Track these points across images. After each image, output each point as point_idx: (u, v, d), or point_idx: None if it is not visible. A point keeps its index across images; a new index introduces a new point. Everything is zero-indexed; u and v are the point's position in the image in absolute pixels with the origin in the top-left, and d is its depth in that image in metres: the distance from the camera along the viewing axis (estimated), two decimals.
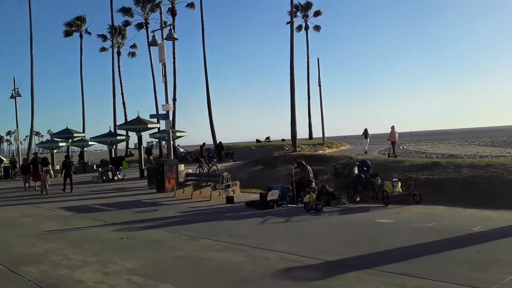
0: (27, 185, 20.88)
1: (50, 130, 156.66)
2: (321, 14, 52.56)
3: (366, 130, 30.40)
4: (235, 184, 14.13)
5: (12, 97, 38.26)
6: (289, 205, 11.64)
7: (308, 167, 12.98)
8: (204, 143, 33.17)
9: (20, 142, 43.25)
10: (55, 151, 32.95)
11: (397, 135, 26.31)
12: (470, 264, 5.62)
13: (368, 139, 30.71)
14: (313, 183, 12.54)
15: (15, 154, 35.36)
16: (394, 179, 11.33)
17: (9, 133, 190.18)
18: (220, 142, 34.29)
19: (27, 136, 50.81)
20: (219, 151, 32.05)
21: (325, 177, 15.51)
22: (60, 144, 31.71)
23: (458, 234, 7.37)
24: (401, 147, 41.43)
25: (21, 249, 7.95)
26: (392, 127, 25.45)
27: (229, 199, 12.74)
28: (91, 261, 6.83)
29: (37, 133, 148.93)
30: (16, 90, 38.18)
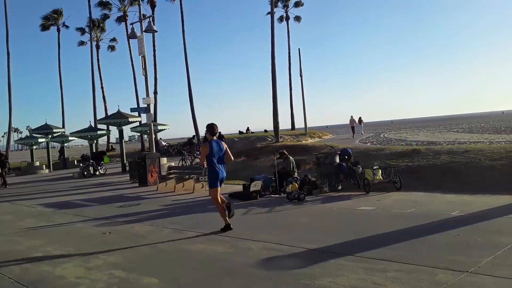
0: None
1: (29, 126, 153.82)
2: (302, 5, 52.56)
3: (360, 118, 42.39)
4: None
5: None
6: (272, 196, 11.70)
7: (291, 157, 13.05)
8: (194, 136, 33.09)
9: None
10: (34, 147, 32.37)
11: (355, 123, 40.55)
12: (448, 248, 5.75)
13: (363, 125, 42.74)
14: (296, 173, 12.62)
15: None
16: (375, 167, 11.48)
17: None
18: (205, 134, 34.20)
19: (5, 132, 49.95)
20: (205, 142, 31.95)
21: (307, 166, 15.63)
22: (40, 140, 31.14)
23: (437, 219, 7.52)
24: (381, 135, 41.91)
25: (1, 247, 7.82)
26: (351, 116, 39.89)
27: None
28: (73, 257, 6.76)
29: (16, 130, 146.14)
30: None
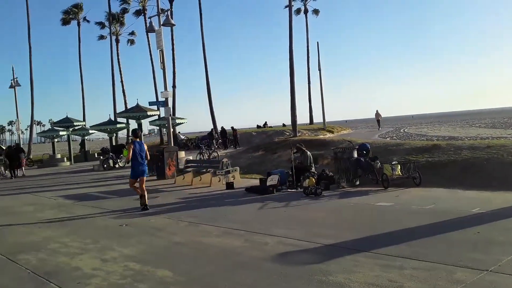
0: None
1: (51, 119, 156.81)
2: None
3: (377, 110, 44.46)
4: (235, 170, 14.11)
5: (11, 86, 38.20)
6: (289, 190, 11.63)
7: (308, 152, 12.93)
8: (212, 129, 33.19)
9: (22, 132, 43.35)
10: (56, 140, 32.94)
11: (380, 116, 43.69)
12: (468, 245, 5.60)
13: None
14: (313, 168, 12.51)
15: (18, 143, 35.36)
16: (394, 162, 11.28)
17: (10, 123, 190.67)
18: (223, 127, 34.19)
19: (28, 125, 50.94)
20: (223, 137, 31.97)
21: (325, 161, 15.49)
22: (61, 133, 31.63)
23: (457, 216, 7.35)
24: (401, 130, 41.34)
25: (20, 238, 7.96)
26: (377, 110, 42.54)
27: (229, 185, 12.74)
28: (89, 248, 6.85)
29: (39, 123, 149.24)
30: (15, 79, 38.10)
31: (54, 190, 15.44)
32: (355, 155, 11.89)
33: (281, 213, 8.97)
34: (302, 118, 36.29)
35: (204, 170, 14.55)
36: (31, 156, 35.46)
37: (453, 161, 11.89)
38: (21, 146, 29.27)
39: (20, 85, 38.48)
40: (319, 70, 39.87)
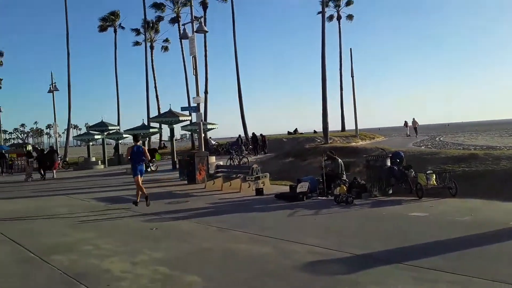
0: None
1: (87, 123, 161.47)
2: (352, 3, 51.65)
3: (406, 121, 45.99)
4: (265, 176, 14.06)
5: (50, 91, 39.52)
6: (319, 198, 11.48)
7: (339, 159, 12.75)
8: (239, 135, 33.38)
9: (59, 135, 44.76)
10: (91, 143, 33.84)
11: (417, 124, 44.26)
12: (507, 259, 5.34)
13: (408, 128, 45.71)
14: (344, 176, 12.31)
15: (53, 146, 36.51)
16: (429, 171, 10.96)
17: (48, 126, 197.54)
18: (254, 133, 34.23)
19: (65, 129, 52.63)
20: (254, 143, 31.99)
21: (357, 169, 15.22)
22: (96, 136, 32.50)
23: (495, 229, 7.04)
24: (437, 138, 40.27)
25: (53, 239, 8.15)
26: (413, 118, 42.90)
27: (259, 191, 12.70)
28: (120, 251, 6.94)
29: (75, 126, 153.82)
30: (53, 84, 39.42)
31: (88, 192, 15.81)
32: (388, 163, 11.63)
33: (311, 221, 8.84)
34: (334, 125, 35.90)
35: (234, 176, 14.56)
36: (67, 159, 36.51)
37: (491, 171, 11.45)
38: (56, 149, 30.22)
39: (58, 90, 39.75)
40: (352, 76, 39.50)
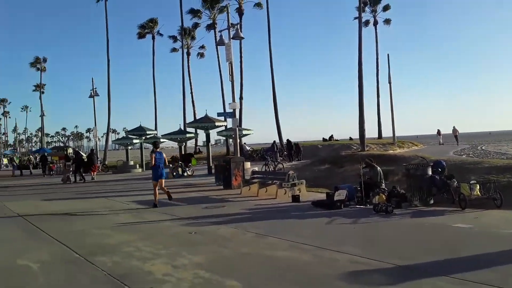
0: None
1: (125, 127, 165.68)
2: (390, 8, 50.89)
3: (439, 130, 45.91)
4: (301, 183, 13.98)
5: (90, 96, 40.85)
6: (357, 206, 11.30)
7: (378, 167, 12.52)
8: (274, 141, 33.37)
9: (98, 139, 46.09)
10: (129, 147, 34.66)
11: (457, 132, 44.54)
12: None
13: (441, 136, 45.27)
14: (383, 184, 12.09)
15: (93, 149, 37.63)
16: (472, 181, 10.59)
17: (88, 130, 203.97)
18: (288, 140, 34.15)
19: (105, 133, 54.21)
20: (289, 149, 31.88)
21: (395, 178, 14.94)
22: (134, 141, 33.25)
23: None
24: (479, 147, 38.92)
25: (96, 240, 8.38)
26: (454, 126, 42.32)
27: (295, 198, 12.63)
28: (161, 254, 7.04)
29: (114, 130, 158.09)
30: (94, 90, 40.73)
31: (127, 195, 16.17)
32: (429, 172, 11.32)
33: (350, 230, 8.71)
34: (370, 132, 35.42)
35: (270, 182, 14.55)
36: (106, 162, 37.56)
37: None
38: (96, 153, 31.18)
39: (98, 95, 41.08)
40: (389, 83, 38.78)
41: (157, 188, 12.74)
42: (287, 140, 34.08)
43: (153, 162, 12.51)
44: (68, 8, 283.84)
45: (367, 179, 12.10)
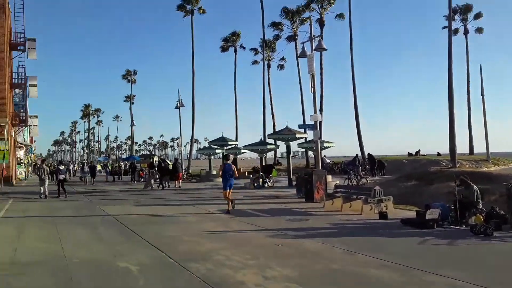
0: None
1: (206, 137, 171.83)
2: (482, 17, 47.88)
3: None
4: (388, 199, 13.47)
5: (176, 107, 42.93)
6: (451, 227, 10.62)
7: (474, 186, 11.70)
8: (356, 154, 32.61)
9: (183, 148, 48.11)
10: (212, 157, 35.84)
11: None
12: None
13: None
14: (480, 204, 11.26)
15: (178, 158, 39.43)
16: None
17: (172, 139, 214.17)
18: (370, 153, 33.20)
19: (187, 142, 56.65)
20: (372, 163, 30.95)
21: (492, 197, 13.91)
22: (217, 151, 34.34)
23: None
24: None
25: (188, 247, 8.71)
26: None
27: (382, 215, 12.19)
28: (250, 264, 7.14)
29: (196, 140, 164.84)
30: (180, 101, 42.77)
31: (211, 203, 16.65)
32: None
33: (445, 251, 8.21)
34: (460, 147, 33.25)
35: (355, 197, 14.19)
36: (190, 171, 39.12)
37: None
38: (180, 161, 32.70)
39: (184, 106, 43.05)
40: (482, 95, 36.45)
41: (227, 196, 13.83)
42: (369, 154, 33.14)
43: (221, 173, 13.87)
44: (157, 23, 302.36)
45: (462, 197, 11.36)
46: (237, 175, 14.99)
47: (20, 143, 45.25)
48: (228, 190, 13.76)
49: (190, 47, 49.13)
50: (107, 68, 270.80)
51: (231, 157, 15.05)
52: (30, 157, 59.13)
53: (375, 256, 7.55)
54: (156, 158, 52.37)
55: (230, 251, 8.16)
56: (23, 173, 45.54)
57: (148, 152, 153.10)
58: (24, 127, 46.03)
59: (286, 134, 27.03)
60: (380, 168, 30.38)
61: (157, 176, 26.14)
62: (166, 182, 27.16)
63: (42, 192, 20.82)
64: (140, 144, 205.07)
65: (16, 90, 40.49)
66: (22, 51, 38.55)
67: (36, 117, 54.92)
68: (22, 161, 47.25)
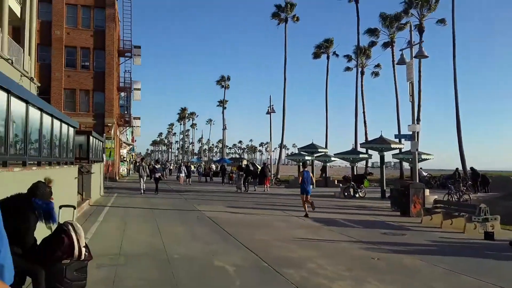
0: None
1: (294, 143, 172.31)
2: None
3: None
4: (495, 219, 12.34)
5: (267, 113, 43.55)
6: None
7: None
8: (457, 168, 30.52)
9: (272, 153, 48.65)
10: (301, 163, 35.74)
11: None
12: None
13: None
14: None
15: (267, 163, 40.01)
16: None
17: (261, 144, 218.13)
18: (473, 168, 30.77)
19: (275, 148, 57.24)
20: (474, 179, 28.65)
21: None
22: (306, 157, 34.15)
23: None
24: None
25: (281, 252, 8.72)
26: None
27: (488, 235, 11.20)
28: (344, 275, 6.96)
29: (284, 146, 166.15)
30: (271, 107, 43.32)
31: (300, 210, 16.43)
32: None
33: None
34: None
35: (456, 214, 13.22)
36: (279, 176, 39.41)
37: None
38: (268, 166, 33.20)
39: (275, 112, 43.53)
40: None
41: (304, 201, 14.91)
42: (471, 168, 30.72)
43: (300, 179, 15.04)
44: (250, 30, 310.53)
45: None
46: (313, 183, 16.23)
47: (124, 142, 49.09)
48: (306, 195, 14.86)
49: (282, 53, 49.77)
50: (202, 73, 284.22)
51: (308, 164, 16.35)
52: (132, 155, 63.87)
53: (483, 280, 6.95)
54: (245, 162, 53.64)
55: (323, 260, 8.03)
56: (125, 170, 49.33)
57: (237, 156, 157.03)
58: (128, 128, 49.90)
59: (380, 144, 26.05)
60: (483, 184, 28.02)
61: (250, 179, 27.20)
62: (254, 186, 27.82)
63: (142, 188, 22.42)
64: (230, 148, 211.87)
65: (122, 93, 44.04)
66: (128, 57, 41.96)
67: (138, 118, 59.15)
68: (125, 158, 51.25)
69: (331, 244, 9.94)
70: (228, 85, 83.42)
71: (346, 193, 23.16)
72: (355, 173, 29.33)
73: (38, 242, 4.87)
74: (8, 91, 6.00)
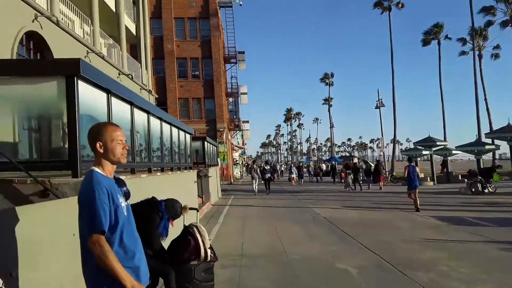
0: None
1: (408, 138, 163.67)
2: None
3: None
4: None
5: (376, 107, 41.84)
6: None
7: None
8: None
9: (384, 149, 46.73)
10: (418, 159, 33.68)
11: None
12: None
13: None
14: None
15: (380, 159, 38.36)
16: None
17: (372, 140, 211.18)
18: None
19: (387, 143, 54.80)
20: None
21: None
22: (423, 152, 32.08)
23: None
24: None
25: (406, 254, 8.22)
26: None
27: None
28: (482, 278, 6.32)
29: (397, 141, 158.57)
30: (380, 100, 41.56)
31: (424, 209, 15.49)
32: None
33: None
34: None
35: None
36: (394, 173, 37.58)
37: None
38: (382, 163, 31.92)
39: (384, 106, 41.67)
40: None
41: (412, 196, 14.89)
42: None
43: (406, 173, 15.23)
44: (349, 22, 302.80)
45: None
46: (419, 177, 16.40)
47: (236, 146, 51.05)
48: (413, 190, 14.82)
49: (388, 44, 47.41)
50: (305, 72, 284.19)
51: (413, 159, 16.66)
52: (244, 158, 66.18)
53: None
54: (355, 160, 52.19)
55: (454, 262, 7.38)
56: (239, 173, 51.23)
57: (347, 154, 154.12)
58: (238, 131, 51.80)
59: (509, 133, 23.41)
60: None
61: (359, 177, 26.56)
62: (368, 185, 26.94)
63: (254, 189, 23.16)
64: (339, 146, 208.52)
65: (230, 98, 45.86)
66: (233, 63, 43.54)
67: (247, 122, 61.14)
68: (237, 161, 53.26)
69: (462, 244, 9.10)
70: (332, 82, 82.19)
71: (473, 189, 21.18)
72: (482, 166, 26.72)
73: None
74: (131, 103, 6.47)
